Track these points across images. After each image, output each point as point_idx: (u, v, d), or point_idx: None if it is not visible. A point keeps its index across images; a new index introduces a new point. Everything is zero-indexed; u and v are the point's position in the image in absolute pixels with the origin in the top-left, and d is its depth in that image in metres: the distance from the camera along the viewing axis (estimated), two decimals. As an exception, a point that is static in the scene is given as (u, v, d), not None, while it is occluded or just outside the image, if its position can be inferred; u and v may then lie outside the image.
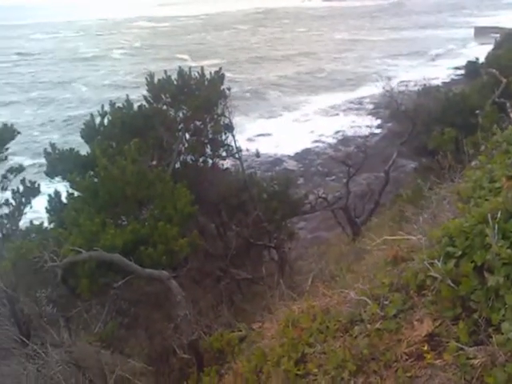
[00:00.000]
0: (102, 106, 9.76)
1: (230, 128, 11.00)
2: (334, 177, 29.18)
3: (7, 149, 9.82)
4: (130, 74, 62.82)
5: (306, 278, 8.14)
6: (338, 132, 38.30)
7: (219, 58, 67.93)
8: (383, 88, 17.31)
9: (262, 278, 9.52)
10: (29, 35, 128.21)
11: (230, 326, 7.30)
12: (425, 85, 20.43)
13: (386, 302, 3.61)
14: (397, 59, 67.15)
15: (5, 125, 9.74)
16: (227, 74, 11.68)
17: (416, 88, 20.27)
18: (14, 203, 10.25)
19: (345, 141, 35.76)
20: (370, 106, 44.35)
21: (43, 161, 10.25)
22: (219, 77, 10.49)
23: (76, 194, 9.60)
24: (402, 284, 3.72)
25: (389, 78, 21.09)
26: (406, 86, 20.38)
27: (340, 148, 34.36)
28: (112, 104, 9.81)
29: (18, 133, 10.02)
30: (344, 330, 3.66)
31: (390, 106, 18.25)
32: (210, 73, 10.47)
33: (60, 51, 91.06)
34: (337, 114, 43.31)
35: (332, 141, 36.77)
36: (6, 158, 9.86)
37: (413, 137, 15.54)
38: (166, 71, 10.15)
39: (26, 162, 25.91)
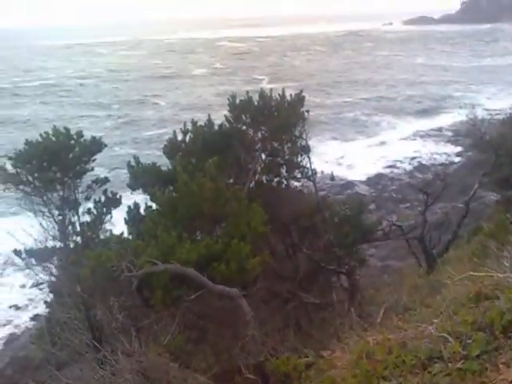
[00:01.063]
0: (185, 124, 10.10)
1: (306, 150, 11.03)
2: (408, 204, 28.43)
3: (94, 160, 10.33)
4: (209, 94, 64.56)
5: (377, 308, 7.92)
6: (414, 158, 37.41)
7: (296, 81, 68.56)
8: (466, 115, 16.75)
9: (332, 304, 9.36)
10: (117, 51, 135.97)
11: (296, 350, 7.21)
12: (510, 114, 19.59)
13: (469, 341, 3.45)
14: (480, 86, 64.84)
15: (93, 137, 10.29)
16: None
17: (500, 117, 19.47)
18: (95, 212, 10.71)
19: (421, 168, 34.91)
20: (449, 133, 43.08)
21: (118, 173, 10.74)
22: (299, 99, 10.57)
23: (154, 206, 9.96)
24: (486, 323, 3.55)
25: (472, 106, 20.35)
26: (490, 114, 19.64)
27: (416, 175, 33.55)
28: (194, 122, 10.12)
29: (105, 146, 10.54)
30: (422, 366, 3.52)
31: (472, 134, 17.59)
32: (291, 95, 10.58)
33: (143, 68, 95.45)
34: (414, 140, 42.34)
35: (407, 167, 35.95)
36: (92, 169, 10.37)
37: (496, 167, 14.86)
38: (247, 92, 10.40)
39: (103, 173, 27.11)
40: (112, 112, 57.35)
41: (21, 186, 9.67)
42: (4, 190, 9.94)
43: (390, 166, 36.08)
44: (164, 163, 10.55)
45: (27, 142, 9.63)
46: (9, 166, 9.67)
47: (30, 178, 9.54)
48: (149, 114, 55.95)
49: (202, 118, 10.94)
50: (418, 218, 15.70)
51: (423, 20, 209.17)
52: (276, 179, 11.02)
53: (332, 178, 27.10)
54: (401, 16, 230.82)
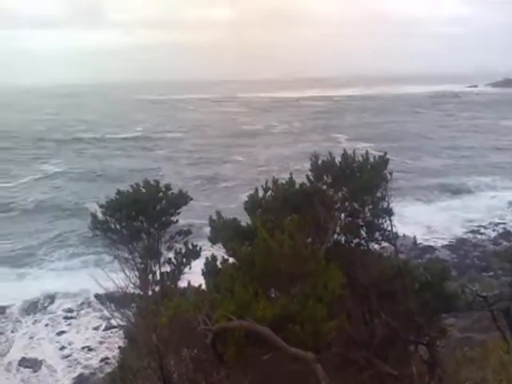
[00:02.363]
0: (266, 181, 10.29)
1: (388, 212, 10.82)
2: (491, 273, 26.96)
3: (179, 213, 10.72)
4: (289, 152, 65.34)
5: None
6: (499, 224, 35.77)
7: (376, 141, 68.26)
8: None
9: (410, 376, 8.87)
10: (206, 107, 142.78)
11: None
12: None
13: None
14: None
15: (180, 191, 10.73)
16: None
17: None
18: (175, 263, 10.99)
19: (506, 235, 33.44)
20: (538, 201, 41.04)
21: (195, 224, 11.06)
22: (383, 161, 10.49)
23: (231, 260, 10.09)
24: None
25: None
26: None
27: (501, 242, 31.96)
28: (275, 180, 10.29)
29: (191, 199, 10.92)
30: None
31: None
32: (374, 156, 10.56)
33: (227, 125, 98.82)
34: (499, 206, 40.53)
35: (492, 233, 34.40)
36: (176, 221, 10.75)
37: None
38: (330, 152, 10.49)
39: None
40: (192, 166, 59.38)
41: (109, 234, 10.17)
42: (93, 236, 10.50)
43: (473, 231, 34.70)
44: (244, 218, 10.73)
45: (118, 192, 10.19)
46: (99, 214, 10.24)
47: (118, 227, 10.03)
48: (227, 169, 57.32)
49: (281, 175, 11.10)
50: (503, 289, 14.77)
51: (509, 83, 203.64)
52: (355, 241, 10.84)
53: (415, 242, 26.47)
54: (486, 78, 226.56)
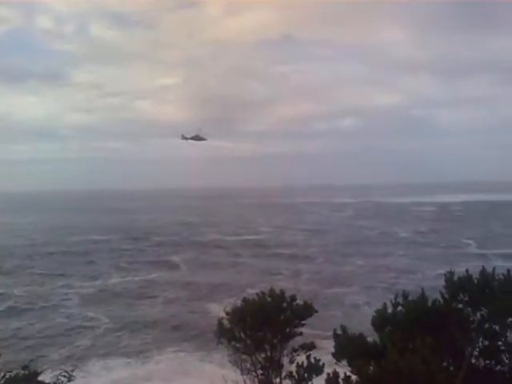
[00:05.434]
0: (396, 296, 9.80)
1: (533, 336, 9.67)
2: None
3: (303, 325, 10.48)
4: (410, 263, 61.93)
5: None
6: None
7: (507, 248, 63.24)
8: None
9: None
10: (319, 211, 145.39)
11: None
12: None
13: None
14: None
15: (305, 302, 10.57)
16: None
17: None
18: (296, 377, 10.60)
19: None
20: None
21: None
22: (528, 280, 9.58)
23: (353, 378, 9.54)
24: None
25: None
26: None
27: None
28: (405, 295, 9.77)
29: (316, 312, 10.68)
30: None
31: None
32: (516, 275, 9.67)
33: (342, 230, 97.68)
34: None
35: None
36: (300, 333, 10.51)
37: None
38: (467, 270, 9.81)
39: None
40: (310, 272, 58.10)
41: (233, 342, 10.17)
42: (217, 344, 10.56)
43: None
44: (369, 334, 10.13)
45: (244, 299, 10.29)
46: (225, 321, 10.35)
47: (243, 335, 10.01)
48: (346, 277, 54.84)
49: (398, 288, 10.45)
50: None
51: None
52: (497, 367, 9.73)
53: None
54: None
